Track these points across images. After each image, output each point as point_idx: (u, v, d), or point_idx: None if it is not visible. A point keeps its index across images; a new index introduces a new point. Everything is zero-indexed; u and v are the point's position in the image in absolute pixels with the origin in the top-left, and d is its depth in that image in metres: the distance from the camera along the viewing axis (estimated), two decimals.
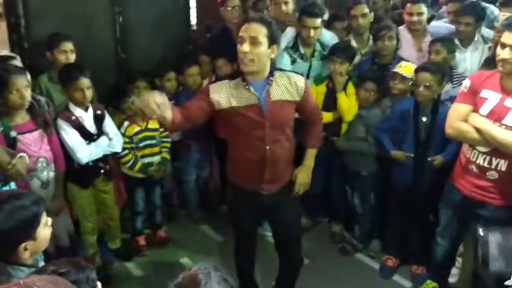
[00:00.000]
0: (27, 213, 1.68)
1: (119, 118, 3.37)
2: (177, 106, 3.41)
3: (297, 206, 2.76)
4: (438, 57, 3.25)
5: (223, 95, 2.35)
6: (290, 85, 2.41)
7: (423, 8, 3.58)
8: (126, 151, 3.31)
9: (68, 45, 3.13)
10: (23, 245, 1.67)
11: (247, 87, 2.34)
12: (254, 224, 2.77)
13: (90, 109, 3.00)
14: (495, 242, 2.25)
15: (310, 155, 2.68)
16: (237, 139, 2.47)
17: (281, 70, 2.51)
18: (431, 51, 3.30)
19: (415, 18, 3.58)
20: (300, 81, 2.45)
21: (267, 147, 2.40)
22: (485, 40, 3.53)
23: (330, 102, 3.37)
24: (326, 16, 4.02)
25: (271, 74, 2.38)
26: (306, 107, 2.54)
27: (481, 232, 2.30)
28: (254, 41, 2.24)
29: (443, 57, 3.25)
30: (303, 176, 2.63)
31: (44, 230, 1.76)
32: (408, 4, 3.60)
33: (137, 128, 3.35)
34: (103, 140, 3.03)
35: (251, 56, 2.25)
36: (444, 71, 3.05)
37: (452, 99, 3.03)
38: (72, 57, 3.15)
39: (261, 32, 2.25)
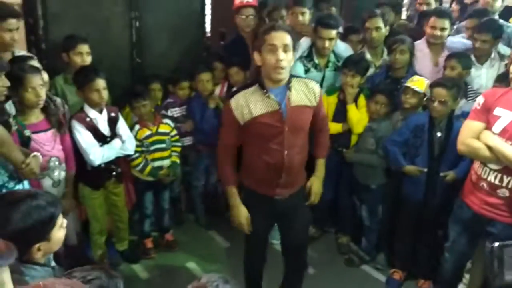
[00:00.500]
0: (43, 213, 1.67)
1: (130, 121, 3.40)
2: (192, 114, 3.63)
3: (307, 212, 2.78)
4: (453, 72, 3.24)
5: (244, 108, 2.38)
6: (307, 91, 2.46)
7: (447, 24, 3.55)
8: (137, 154, 3.33)
9: (84, 47, 3.18)
10: (37, 245, 1.66)
11: (266, 94, 2.37)
12: (266, 229, 2.77)
13: (105, 111, 3.03)
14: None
15: (321, 165, 2.74)
16: (255, 144, 2.48)
17: (296, 76, 2.55)
18: (446, 66, 3.29)
19: (438, 32, 3.54)
20: (317, 87, 2.52)
21: (285, 152, 2.43)
22: (501, 57, 3.52)
23: (341, 114, 3.39)
24: (341, 28, 4.06)
25: (289, 80, 2.41)
26: (319, 114, 2.58)
27: (496, 244, 2.27)
28: (286, 49, 2.28)
29: (458, 72, 3.24)
30: (318, 186, 2.68)
31: (59, 232, 1.75)
32: (433, 18, 3.55)
33: (147, 132, 3.37)
34: (116, 142, 3.05)
35: (285, 64, 2.30)
36: (459, 87, 3.05)
37: (464, 115, 3.02)
38: (88, 59, 3.20)
39: (289, 38, 2.30)
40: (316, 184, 2.67)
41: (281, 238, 2.86)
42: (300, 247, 2.80)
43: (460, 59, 3.27)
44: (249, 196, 2.62)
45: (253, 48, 2.44)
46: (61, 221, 1.76)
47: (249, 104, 2.38)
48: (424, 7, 4.53)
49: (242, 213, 2.54)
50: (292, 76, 2.46)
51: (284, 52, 2.28)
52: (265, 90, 2.37)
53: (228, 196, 2.57)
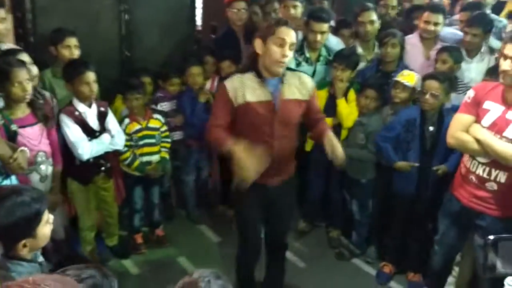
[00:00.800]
0: (28, 210, 1.66)
1: (120, 115, 3.37)
2: (182, 108, 3.57)
3: (293, 202, 2.95)
4: (444, 66, 3.25)
5: (238, 91, 2.42)
6: (300, 85, 2.51)
7: (441, 19, 3.56)
8: (126, 149, 3.31)
9: (72, 41, 3.15)
10: (22, 241, 1.65)
11: (262, 83, 2.41)
12: (259, 219, 2.75)
13: (94, 105, 3.00)
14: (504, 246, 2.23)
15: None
16: (245, 133, 2.47)
17: (291, 69, 2.57)
18: (438, 59, 3.30)
19: (431, 27, 3.55)
20: (310, 81, 2.59)
21: (275, 142, 2.47)
22: (492, 51, 3.53)
23: (331, 108, 3.37)
24: (333, 22, 4.05)
25: (283, 73, 2.45)
26: (312, 108, 2.61)
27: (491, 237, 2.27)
28: (291, 47, 2.36)
29: (449, 66, 3.26)
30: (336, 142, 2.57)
31: (45, 228, 1.73)
32: (427, 13, 3.56)
33: (137, 126, 3.34)
34: (105, 137, 3.02)
35: (288, 60, 2.37)
36: (451, 81, 3.06)
37: (454, 108, 3.03)
38: (76, 53, 3.17)
39: (295, 39, 2.38)
40: (334, 140, 2.54)
41: (267, 227, 2.86)
42: (283, 236, 2.89)
43: (452, 53, 3.28)
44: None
45: (255, 36, 2.43)
46: (47, 217, 1.74)
47: (244, 88, 2.41)
48: (407, 5, 4.52)
49: (252, 162, 2.29)
50: (287, 68, 2.48)
51: (290, 50, 2.35)
52: (261, 79, 2.41)
53: (231, 151, 2.33)
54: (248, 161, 2.28)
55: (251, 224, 2.72)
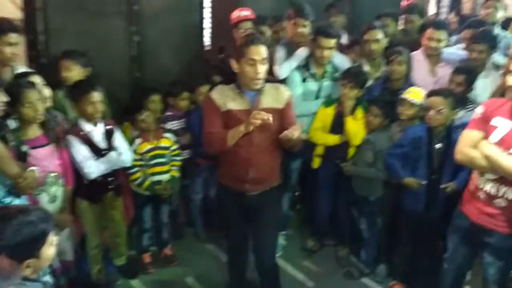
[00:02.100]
0: (34, 230, 1.65)
1: (130, 134, 3.41)
2: (191, 127, 3.65)
3: (277, 213, 3.01)
4: (458, 88, 3.24)
5: (223, 99, 2.61)
6: (277, 94, 2.68)
7: (444, 36, 3.58)
8: (136, 169, 3.33)
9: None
10: (26, 262, 1.64)
11: (241, 94, 2.61)
12: (243, 225, 2.86)
13: (100, 124, 3.04)
14: None
15: None
16: None
17: (271, 82, 2.73)
18: (453, 81, 3.28)
19: (434, 44, 3.57)
20: (287, 91, 2.74)
21: (253, 149, 2.62)
22: (497, 67, 3.52)
23: (338, 125, 3.39)
24: (345, 39, 4.07)
25: (262, 85, 2.61)
26: (286, 117, 2.68)
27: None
28: (264, 62, 2.53)
29: (464, 90, 3.26)
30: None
31: (49, 249, 1.72)
32: (430, 29, 3.58)
33: (149, 146, 3.37)
34: (112, 155, 3.05)
35: (262, 75, 2.55)
36: (456, 96, 3.05)
37: (464, 125, 3.02)
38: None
39: (266, 52, 2.54)
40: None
41: (252, 237, 2.92)
42: (271, 254, 2.92)
43: (468, 77, 3.27)
44: (223, 191, 2.83)
45: (232, 56, 2.62)
46: (52, 238, 1.74)
47: (226, 97, 2.62)
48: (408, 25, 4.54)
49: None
50: (266, 81, 2.64)
51: (262, 65, 2.52)
52: (239, 90, 2.61)
53: (235, 132, 2.57)
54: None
55: (233, 231, 2.89)
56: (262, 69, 2.52)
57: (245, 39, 2.57)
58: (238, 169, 2.68)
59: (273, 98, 2.65)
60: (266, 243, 2.90)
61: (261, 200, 2.73)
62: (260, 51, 2.50)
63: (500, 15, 4.50)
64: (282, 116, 2.66)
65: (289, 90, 2.78)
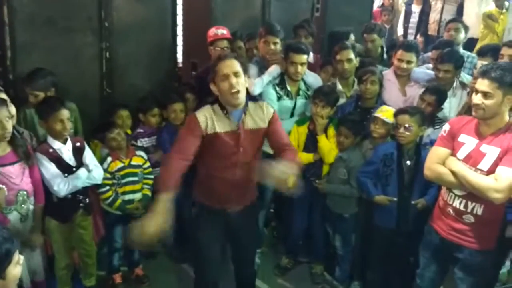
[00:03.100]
0: None
1: (99, 152, 3.35)
2: (162, 144, 3.55)
3: (256, 226, 3.05)
4: (428, 108, 3.30)
5: (209, 120, 2.53)
6: (262, 113, 2.64)
7: (414, 57, 3.68)
8: (107, 188, 3.27)
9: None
10: None
11: (227, 115, 2.55)
12: (218, 243, 2.80)
13: (69, 141, 2.99)
14: None
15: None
16: (210, 161, 2.62)
17: (255, 101, 2.70)
18: (424, 100, 3.33)
19: (404, 65, 3.66)
20: (270, 109, 2.69)
21: (237, 171, 2.59)
22: (464, 86, 3.64)
23: (311, 144, 3.42)
24: (311, 58, 4.13)
25: (246, 104, 2.59)
26: (275, 133, 2.66)
27: None
28: (237, 75, 2.48)
29: (433, 110, 3.33)
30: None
31: (15, 269, 1.68)
32: (400, 51, 3.67)
33: (120, 165, 3.32)
34: (81, 172, 2.99)
35: (239, 87, 2.48)
36: (422, 113, 3.13)
37: (432, 142, 3.09)
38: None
39: (237, 65, 2.50)
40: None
41: (231, 252, 2.93)
42: (250, 264, 2.95)
43: (439, 98, 3.34)
44: (202, 210, 2.75)
45: (209, 81, 2.58)
46: (17, 257, 1.70)
47: (213, 119, 2.54)
48: None
49: (157, 222, 2.24)
50: (249, 100, 2.61)
51: (236, 78, 2.47)
52: (225, 111, 2.55)
53: (156, 201, 2.34)
54: (156, 220, 2.24)
55: (206, 249, 2.75)
56: (236, 81, 2.46)
57: (214, 59, 2.59)
58: (221, 191, 2.65)
59: (257, 117, 2.62)
60: (249, 258, 2.93)
61: (241, 217, 2.72)
62: (230, 65, 2.48)
63: (462, 36, 4.69)
64: (269, 133, 2.65)
65: (273, 109, 2.73)
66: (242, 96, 2.51)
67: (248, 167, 2.61)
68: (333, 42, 4.23)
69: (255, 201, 2.84)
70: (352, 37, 4.42)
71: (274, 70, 3.55)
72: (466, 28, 4.80)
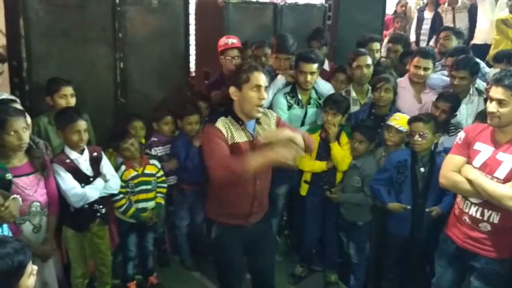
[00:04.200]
0: (10, 263, 1.61)
1: (114, 161, 3.38)
2: (176, 153, 3.59)
3: (275, 237, 2.98)
4: (442, 115, 3.29)
5: (228, 132, 2.51)
6: (268, 120, 2.66)
7: (431, 64, 3.66)
8: (121, 196, 3.29)
9: (68, 89, 3.22)
10: None
11: (242, 126, 2.54)
12: (242, 262, 2.79)
13: (86, 152, 3.01)
14: None
15: None
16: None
17: None
18: (438, 107, 3.32)
19: (421, 72, 3.63)
20: (273, 113, 2.74)
21: (257, 181, 2.58)
22: (479, 92, 3.61)
23: (324, 151, 3.41)
24: (326, 66, 4.13)
25: None
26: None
27: None
28: (266, 89, 2.51)
29: (447, 117, 3.32)
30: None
31: (28, 280, 1.68)
32: (417, 58, 3.65)
33: (133, 173, 3.34)
34: (98, 182, 3.01)
35: (264, 102, 2.50)
36: (436, 120, 3.12)
37: (446, 150, 3.07)
38: (72, 101, 3.22)
39: (267, 81, 2.52)
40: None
41: (250, 265, 2.87)
42: (268, 272, 2.89)
43: (453, 105, 3.32)
44: (223, 232, 2.66)
45: (229, 83, 2.53)
46: (31, 268, 1.70)
47: (231, 130, 2.51)
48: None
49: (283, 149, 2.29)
50: None
51: (265, 92, 2.49)
52: (241, 122, 2.53)
53: (260, 155, 2.34)
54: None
55: (231, 271, 2.73)
56: (265, 95, 2.49)
57: (244, 66, 2.52)
58: (243, 204, 2.61)
59: (266, 125, 2.64)
60: (270, 270, 2.90)
61: (259, 228, 2.71)
62: (264, 78, 2.48)
63: (453, 44, 4.68)
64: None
65: (272, 111, 2.78)
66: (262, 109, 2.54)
67: (265, 176, 2.64)
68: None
69: (268, 211, 2.83)
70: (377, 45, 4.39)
71: (279, 81, 3.57)
72: (460, 34, 4.86)
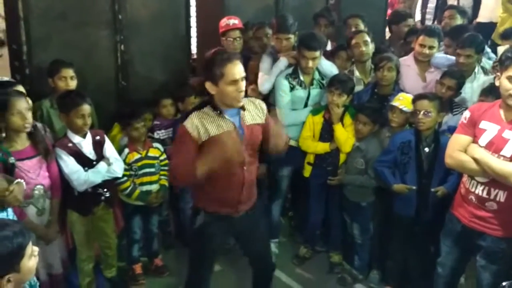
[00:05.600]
0: (10, 245, 1.62)
1: (117, 144, 3.37)
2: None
3: (264, 222, 2.97)
4: (447, 92, 3.26)
5: (200, 128, 2.41)
6: (256, 109, 2.58)
7: (436, 43, 3.61)
8: (125, 178, 3.29)
9: (69, 72, 3.20)
10: (6, 277, 1.61)
11: (221, 115, 2.44)
12: (217, 252, 2.81)
13: (89, 135, 2.99)
14: None
15: None
16: (217, 165, 2.42)
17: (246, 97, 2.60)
18: (443, 84, 3.28)
19: (426, 50, 3.58)
20: (263, 104, 2.64)
21: (245, 169, 2.52)
22: (485, 71, 3.57)
23: (327, 133, 3.39)
24: (329, 47, 4.07)
25: None
26: (269, 130, 2.61)
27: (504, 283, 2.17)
28: (243, 79, 2.41)
29: (452, 94, 3.28)
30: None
31: (29, 262, 1.69)
32: (422, 36, 3.60)
33: (137, 156, 3.34)
34: (101, 165, 3.00)
35: (243, 91, 2.42)
36: (441, 99, 3.08)
37: (451, 129, 3.05)
38: (73, 84, 3.20)
39: (242, 67, 2.41)
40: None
41: (244, 250, 2.89)
42: (264, 253, 2.89)
43: (458, 81, 3.28)
44: (211, 220, 2.60)
45: (204, 77, 2.42)
46: (31, 250, 1.71)
47: (204, 124, 2.42)
48: None
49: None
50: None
51: (243, 82, 2.40)
52: (219, 111, 2.43)
53: (199, 165, 2.35)
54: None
55: (208, 263, 2.75)
56: (243, 84, 2.39)
57: (215, 56, 2.38)
58: (231, 192, 2.54)
59: (255, 113, 2.56)
60: (263, 251, 2.89)
61: (249, 218, 2.66)
62: (240, 69, 2.37)
63: (458, 23, 4.60)
64: (265, 129, 2.59)
65: (263, 102, 2.68)
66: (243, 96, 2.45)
67: (254, 165, 2.59)
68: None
69: (257, 197, 2.76)
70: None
71: (281, 63, 3.52)
72: (464, 13, 4.78)
